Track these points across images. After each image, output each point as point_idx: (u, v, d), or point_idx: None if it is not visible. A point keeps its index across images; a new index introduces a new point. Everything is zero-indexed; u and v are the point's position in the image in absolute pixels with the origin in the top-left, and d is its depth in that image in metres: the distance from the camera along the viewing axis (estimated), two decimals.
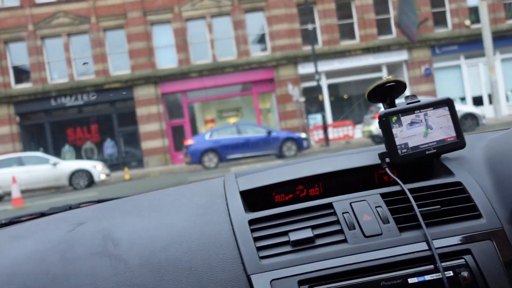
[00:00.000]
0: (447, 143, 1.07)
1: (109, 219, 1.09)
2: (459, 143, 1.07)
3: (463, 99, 22.15)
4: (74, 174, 13.77)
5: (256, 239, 0.92)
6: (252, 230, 0.94)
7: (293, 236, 0.91)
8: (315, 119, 21.63)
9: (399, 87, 1.09)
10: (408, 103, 1.07)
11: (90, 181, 13.89)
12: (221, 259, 0.90)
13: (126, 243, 0.96)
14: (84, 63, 20.10)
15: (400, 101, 1.10)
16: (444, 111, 1.07)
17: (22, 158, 14.06)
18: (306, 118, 20.96)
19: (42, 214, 1.29)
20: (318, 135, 19.47)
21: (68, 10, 20.40)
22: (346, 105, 23.11)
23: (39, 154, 14.73)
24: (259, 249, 0.90)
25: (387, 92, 1.09)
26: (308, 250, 0.89)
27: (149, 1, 20.81)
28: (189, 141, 16.08)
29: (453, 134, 1.07)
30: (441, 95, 21.72)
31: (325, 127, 18.50)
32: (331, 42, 21.78)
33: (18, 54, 20.42)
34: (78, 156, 20.30)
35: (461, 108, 16.76)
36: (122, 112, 20.96)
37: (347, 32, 22.20)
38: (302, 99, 19.12)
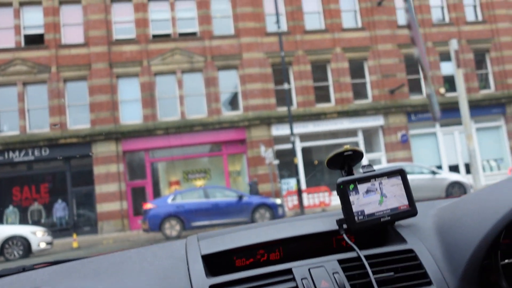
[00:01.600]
0: (400, 211, 1.12)
1: (67, 283, 1.05)
2: (411, 212, 1.13)
3: (439, 167, 21.38)
4: (7, 242, 11.55)
5: None
6: None
7: None
8: (288, 183, 20.31)
9: (356, 156, 1.15)
10: (364, 172, 1.12)
11: (27, 251, 11.68)
12: None
13: None
14: (55, 125, 18.37)
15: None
16: (397, 180, 1.13)
17: None
18: (279, 182, 19.56)
19: None
20: (292, 201, 18.01)
21: (26, 58, 18.89)
22: (320, 170, 21.93)
23: None
24: None
25: (345, 160, 1.15)
26: None
27: (117, 53, 19.62)
28: (148, 205, 14.12)
29: (406, 202, 1.12)
30: (417, 162, 20.92)
31: (299, 193, 17.06)
32: (306, 104, 20.95)
33: None
34: (23, 219, 17.98)
35: (449, 177, 15.86)
36: (77, 170, 18.95)
37: (323, 94, 21.50)
38: (276, 161, 17.79)
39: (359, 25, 22.24)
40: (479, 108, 22.14)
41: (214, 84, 20.24)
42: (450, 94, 22.12)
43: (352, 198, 1.09)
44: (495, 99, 22.74)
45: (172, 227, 13.53)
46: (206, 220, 13.67)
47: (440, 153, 22.26)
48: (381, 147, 21.63)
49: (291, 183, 20.02)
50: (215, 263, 1.09)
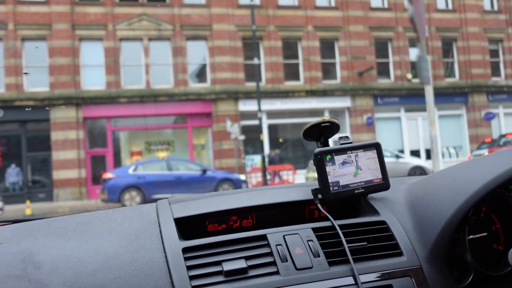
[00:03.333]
0: (374, 184, 1.14)
1: (31, 240, 0.99)
2: (384, 185, 1.15)
3: (401, 151, 21.79)
4: None
5: (189, 268, 0.89)
6: (186, 259, 0.91)
7: (227, 266, 0.89)
8: (252, 160, 20.18)
9: (333, 127, 1.15)
10: (341, 144, 1.14)
11: None
12: (152, 287, 0.85)
13: (48, 266, 0.88)
14: (25, 73, 17.31)
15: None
16: (373, 153, 1.14)
17: None
18: (244, 158, 19.40)
19: None
20: (256, 178, 17.89)
21: None
22: (285, 147, 21.91)
23: None
24: (192, 278, 0.87)
25: (321, 131, 1.15)
26: (240, 280, 0.88)
27: (80, 14, 18.61)
28: (108, 174, 13.65)
29: (380, 176, 1.14)
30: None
31: (264, 170, 16.96)
32: (274, 80, 20.71)
33: None
34: None
35: (412, 161, 16.18)
36: (33, 135, 18.08)
37: (292, 72, 21.30)
38: (242, 137, 17.56)
39: (332, 4, 22.02)
40: (443, 95, 22.55)
41: (182, 54, 19.63)
42: (416, 80, 22.39)
43: (329, 168, 1.10)
44: (458, 88, 23.22)
45: (132, 199, 13.16)
46: (168, 193, 13.33)
47: (403, 137, 22.65)
48: (346, 128, 21.77)
49: (256, 159, 19.90)
50: (187, 227, 1.07)
